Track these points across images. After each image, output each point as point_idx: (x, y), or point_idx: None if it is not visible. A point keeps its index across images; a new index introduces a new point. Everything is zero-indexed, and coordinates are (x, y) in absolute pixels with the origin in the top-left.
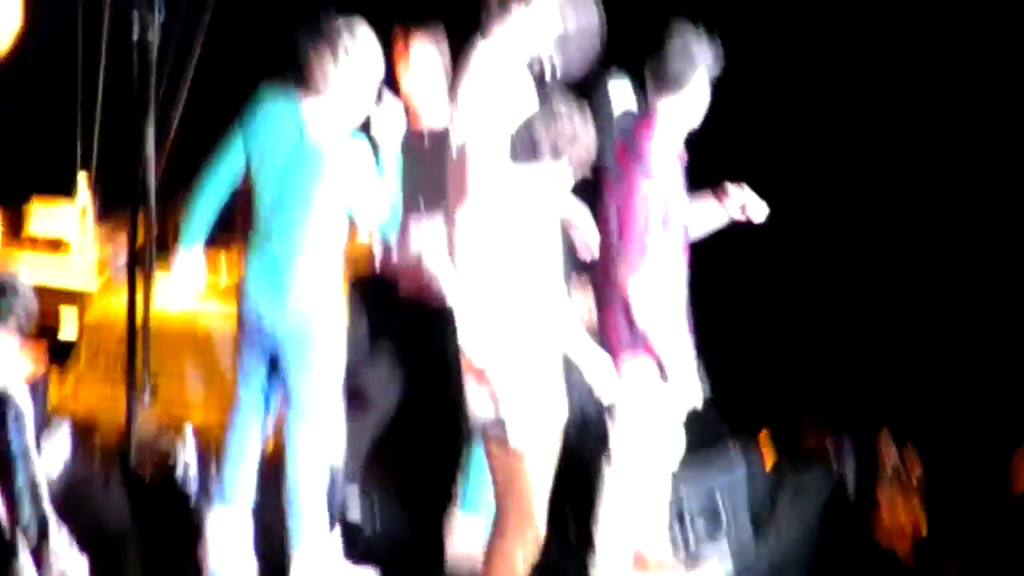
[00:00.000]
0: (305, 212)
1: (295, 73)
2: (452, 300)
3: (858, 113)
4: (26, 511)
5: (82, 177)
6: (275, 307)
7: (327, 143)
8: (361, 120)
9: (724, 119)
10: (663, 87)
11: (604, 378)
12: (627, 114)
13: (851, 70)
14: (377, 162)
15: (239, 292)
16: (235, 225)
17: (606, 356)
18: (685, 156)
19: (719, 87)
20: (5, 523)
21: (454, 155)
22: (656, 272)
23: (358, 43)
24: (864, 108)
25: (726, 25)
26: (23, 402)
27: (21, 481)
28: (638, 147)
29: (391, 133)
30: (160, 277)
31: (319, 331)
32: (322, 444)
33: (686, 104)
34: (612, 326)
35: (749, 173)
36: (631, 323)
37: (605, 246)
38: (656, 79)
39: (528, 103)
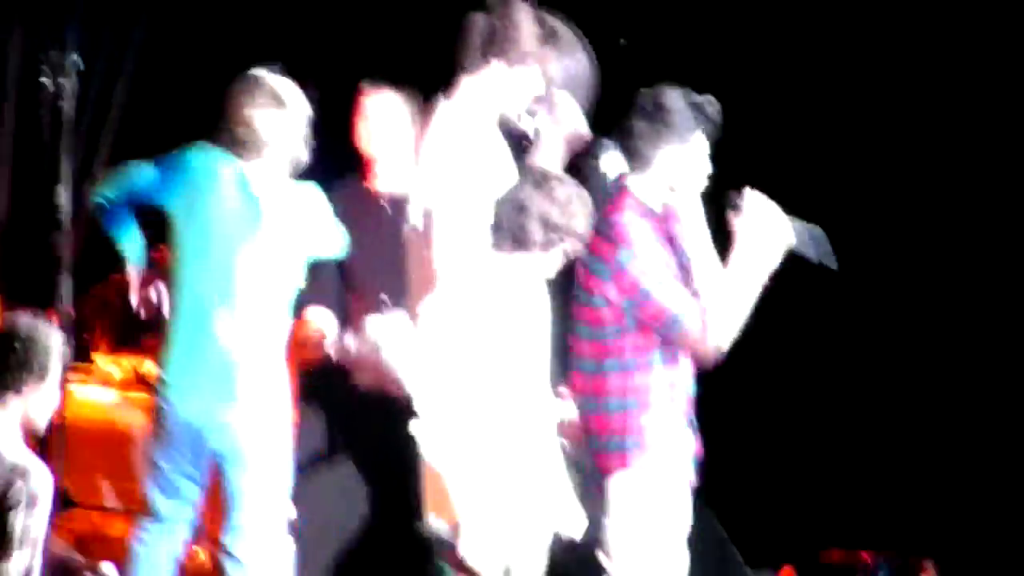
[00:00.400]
0: (256, 285)
1: (224, 131)
2: (413, 393)
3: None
4: None
5: None
6: (216, 405)
7: (275, 200)
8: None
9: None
10: (629, 164)
11: (568, 510)
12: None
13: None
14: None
15: (161, 390)
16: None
17: (569, 487)
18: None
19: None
20: None
21: (417, 228)
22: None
23: (286, 93)
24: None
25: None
26: (40, 482)
27: (15, 572)
28: (611, 230)
29: None
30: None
31: (272, 431)
32: (269, 567)
33: (657, 181)
34: (603, 432)
35: None
36: (631, 424)
37: (593, 343)
38: (624, 154)
39: (505, 171)
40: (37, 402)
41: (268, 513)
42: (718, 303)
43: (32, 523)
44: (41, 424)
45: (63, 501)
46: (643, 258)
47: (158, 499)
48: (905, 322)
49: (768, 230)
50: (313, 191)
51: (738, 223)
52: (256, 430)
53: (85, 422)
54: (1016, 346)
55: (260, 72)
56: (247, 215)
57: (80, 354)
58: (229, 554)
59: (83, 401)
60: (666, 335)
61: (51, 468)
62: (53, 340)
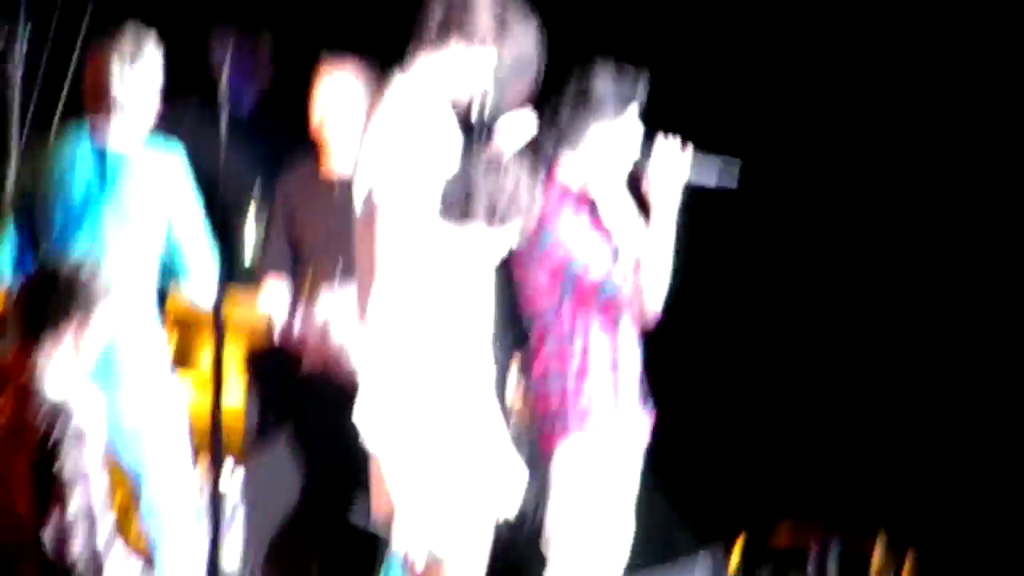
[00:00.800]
0: (124, 249)
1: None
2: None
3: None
4: (78, 543)
5: None
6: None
7: (133, 156)
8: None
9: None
10: (558, 143)
11: (508, 491)
12: None
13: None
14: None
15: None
16: None
17: (520, 465)
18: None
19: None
20: (56, 558)
21: (361, 207)
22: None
23: (140, 49)
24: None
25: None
26: (88, 417)
27: (75, 508)
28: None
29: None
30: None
31: (159, 401)
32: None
33: (584, 160)
34: (545, 410)
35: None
36: (571, 394)
37: (533, 325)
38: (553, 133)
39: (453, 150)
40: (79, 338)
41: (173, 483)
42: (644, 261)
43: (80, 461)
44: (86, 361)
45: None
46: (564, 234)
47: None
48: (859, 291)
49: (671, 173)
50: (174, 155)
51: (649, 177)
52: (144, 405)
53: None
54: (971, 320)
55: (121, 29)
56: (104, 179)
57: None
58: (149, 536)
59: None
60: (600, 301)
61: None
62: (89, 276)
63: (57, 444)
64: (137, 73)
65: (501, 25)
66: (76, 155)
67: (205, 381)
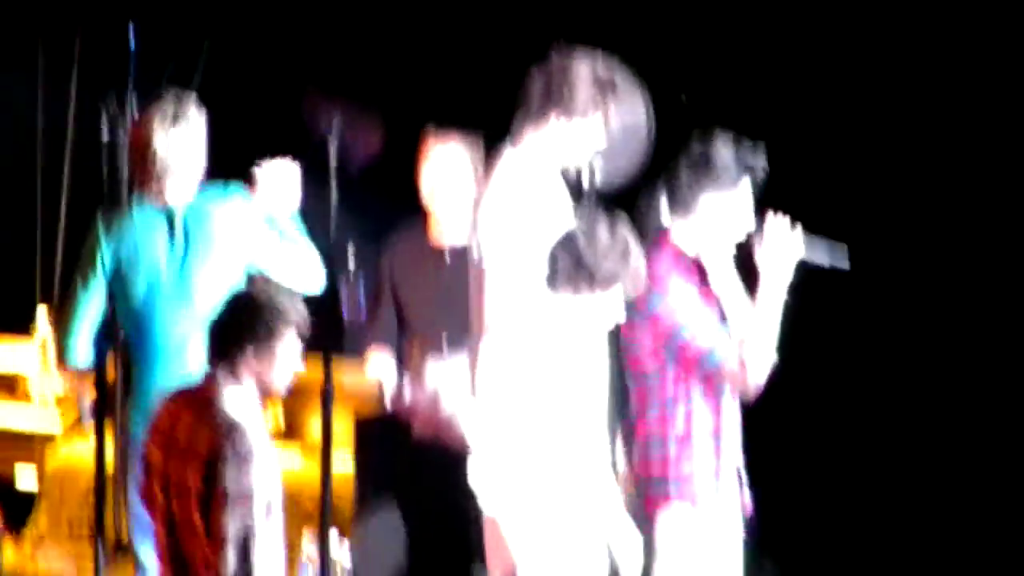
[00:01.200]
0: (207, 287)
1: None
2: (470, 439)
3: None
4: (231, 566)
5: (42, 310)
6: None
7: (195, 208)
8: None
9: None
10: (672, 208)
11: (630, 558)
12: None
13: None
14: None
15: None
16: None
17: (636, 533)
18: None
19: None
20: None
21: (473, 278)
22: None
23: (181, 110)
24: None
25: None
26: (256, 442)
27: (232, 530)
28: (650, 272)
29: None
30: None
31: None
32: None
33: (697, 227)
34: (647, 474)
35: None
36: (673, 460)
37: (638, 389)
38: (668, 198)
39: (563, 221)
40: (267, 369)
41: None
42: (749, 335)
43: (244, 482)
44: (275, 390)
45: (123, 554)
46: (674, 300)
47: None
48: (965, 373)
49: (784, 251)
50: (236, 197)
51: (760, 253)
52: None
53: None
54: None
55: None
56: (175, 237)
57: None
58: None
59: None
60: (704, 372)
61: (108, 522)
62: (281, 305)
63: (227, 462)
64: (179, 135)
65: (603, 96)
66: (140, 223)
67: (314, 449)
